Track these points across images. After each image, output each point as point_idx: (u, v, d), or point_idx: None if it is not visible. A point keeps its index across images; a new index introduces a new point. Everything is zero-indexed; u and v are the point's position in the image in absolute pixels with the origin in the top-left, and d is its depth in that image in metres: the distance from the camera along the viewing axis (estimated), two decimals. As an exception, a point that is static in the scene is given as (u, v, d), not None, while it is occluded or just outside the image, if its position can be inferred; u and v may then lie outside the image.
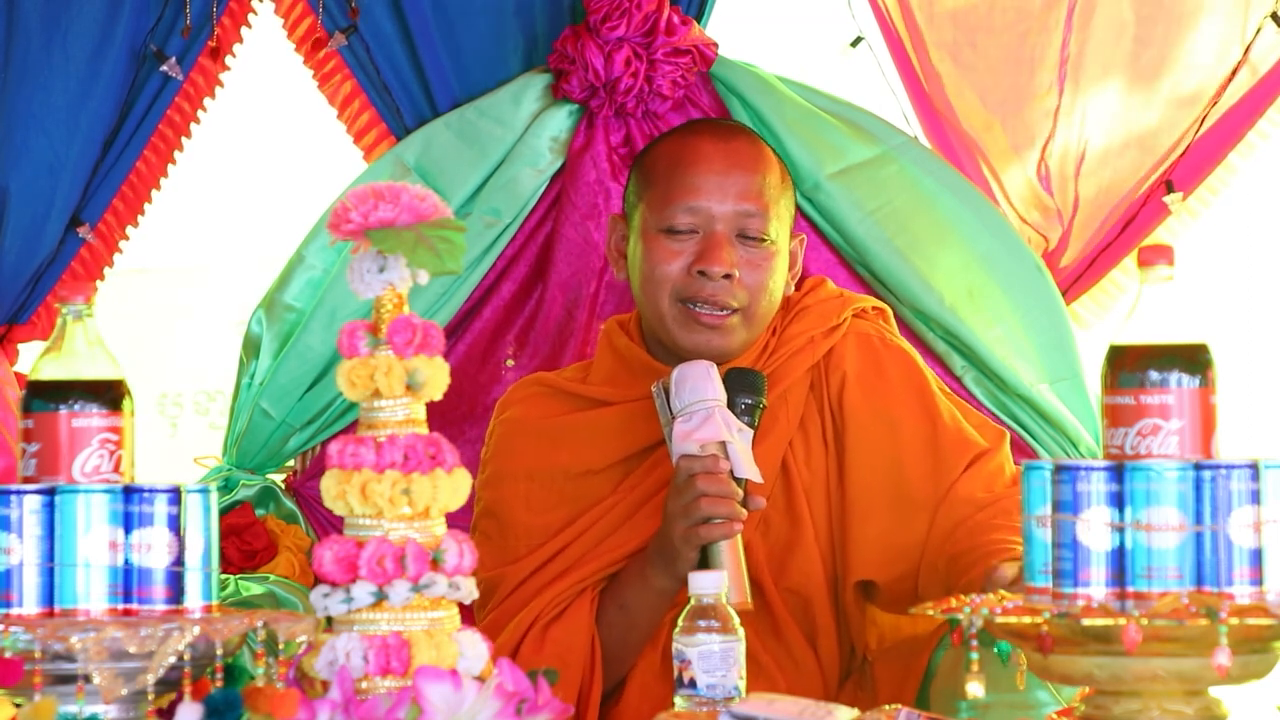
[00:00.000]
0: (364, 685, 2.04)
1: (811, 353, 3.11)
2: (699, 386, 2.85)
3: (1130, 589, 2.07)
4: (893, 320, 3.25)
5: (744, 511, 2.83)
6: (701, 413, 2.84)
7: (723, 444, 2.84)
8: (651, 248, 3.06)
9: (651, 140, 3.41)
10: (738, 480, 2.84)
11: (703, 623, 2.46)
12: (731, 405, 2.87)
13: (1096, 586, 2.07)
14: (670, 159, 3.09)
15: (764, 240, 3.05)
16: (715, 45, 3.91)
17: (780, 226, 3.08)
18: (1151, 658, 2.06)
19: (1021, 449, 3.84)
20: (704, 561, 2.82)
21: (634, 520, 3.02)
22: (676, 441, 2.85)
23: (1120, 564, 2.08)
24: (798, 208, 3.89)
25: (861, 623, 3.08)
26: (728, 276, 3.02)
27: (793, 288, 3.15)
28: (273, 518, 3.92)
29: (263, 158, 5.03)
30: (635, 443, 3.08)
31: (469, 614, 3.03)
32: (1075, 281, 3.96)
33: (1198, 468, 2.08)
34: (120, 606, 2.13)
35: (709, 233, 3.04)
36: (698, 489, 2.80)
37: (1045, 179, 3.95)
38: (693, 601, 2.48)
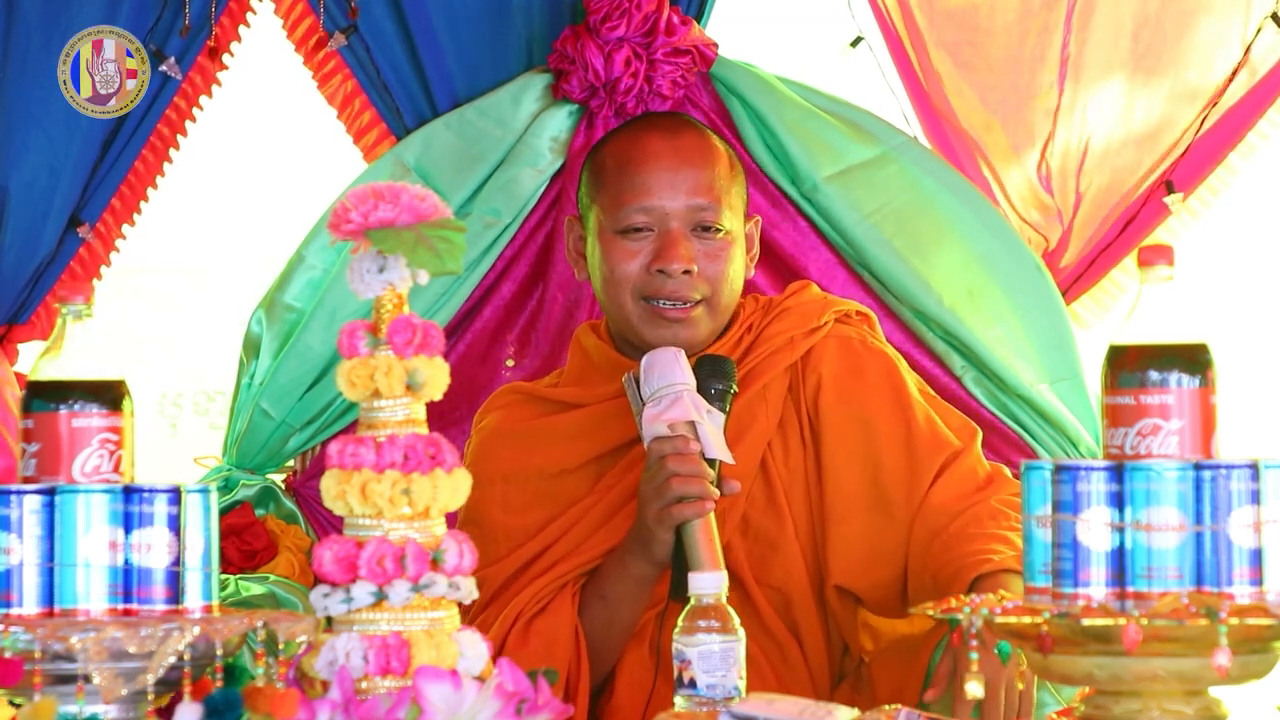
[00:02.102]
0: (364, 685, 2.04)
1: (790, 352, 3.12)
2: (667, 372, 2.87)
3: (1130, 589, 2.07)
4: (878, 325, 3.24)
5: (716, 491, 2.84)
6: (670, 396, 2.86)
7: (692, 425, 2.86)
8: (609, 249, 3.08)
9: (600, 138, 3.40)
10: (709, 462, 2.85)
11: (703, 623, 2.45)
12: (702, 391, 2.89)
13: (1096, 586, 2.07)
14: (619, 159, 3.10)
15: (719, 231, 3.07)
16: (715, 45, 3.90)
17: (734, 216, 3.10)
18: (1151, 658, 2.06)
19: (1021, 449, 3.84)
20: (679, 544, 2.83)
21: (613, 521, 3.03)
22: (646, 425, 2.87)
23: (1120, 564, 2.07)
24: (796, 207, 3.89)
25: (852, 622, 3.08)
26: (687, 272, 3.04)
27: (753, 270, 3.16)
28: (273, 518, 3.92)
29: (263, 158, 5.03)
30: (608, 441, 3.09)
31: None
32: (1075, 281, 3.96)
33: (1198, 468, 2.08)
34: (120, 606, 2.12)
35: (664, 230, 3.06)
36: (668, 469, 2.82)
37: (1046, 178, 3.95)
38: (693, 601, 2.48)
